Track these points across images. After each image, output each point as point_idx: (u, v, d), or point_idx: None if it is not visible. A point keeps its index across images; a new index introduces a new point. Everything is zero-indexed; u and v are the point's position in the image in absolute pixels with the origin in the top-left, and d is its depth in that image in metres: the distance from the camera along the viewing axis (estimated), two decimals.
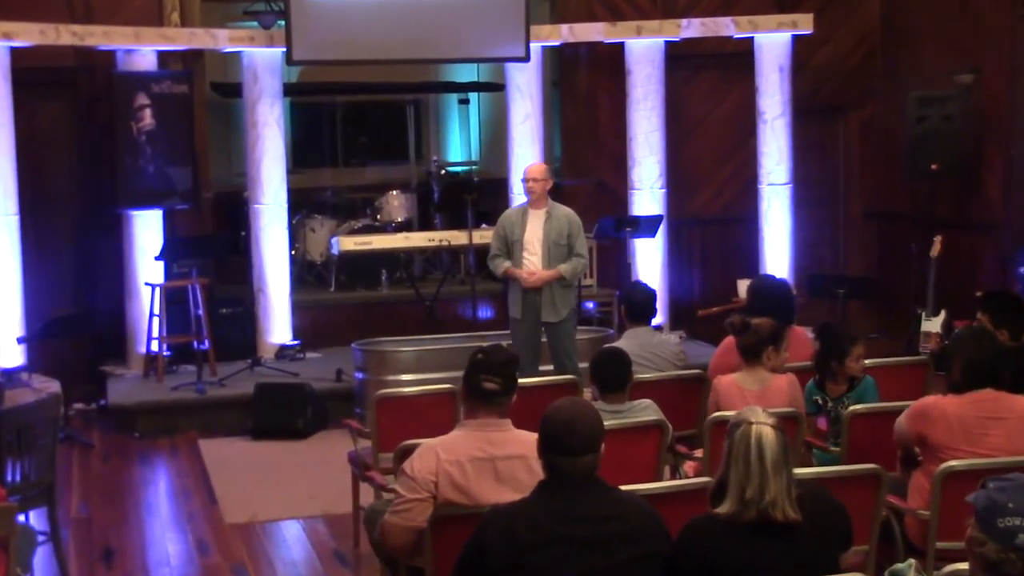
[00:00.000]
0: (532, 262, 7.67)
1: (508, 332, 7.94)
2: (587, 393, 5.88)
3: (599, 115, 11.26)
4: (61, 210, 10.11)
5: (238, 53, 10.03)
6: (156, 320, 9.35)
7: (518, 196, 9.98)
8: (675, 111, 10.92)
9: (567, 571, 3.34)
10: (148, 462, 8.23)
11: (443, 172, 12.33)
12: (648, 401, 5.46)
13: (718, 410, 5.38)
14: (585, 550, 3.36)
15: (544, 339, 7.78)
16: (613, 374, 5.38)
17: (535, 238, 7.67)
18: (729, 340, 5.89)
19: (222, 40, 9.81)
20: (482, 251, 10.57)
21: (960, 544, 2.86)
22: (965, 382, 4.75)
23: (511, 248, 7.69)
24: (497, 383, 4.04)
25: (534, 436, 3.65)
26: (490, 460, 4.02)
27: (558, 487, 3.43)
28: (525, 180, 7.73)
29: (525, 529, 3.37)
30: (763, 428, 3.35)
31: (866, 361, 5.89)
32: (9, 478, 5.51)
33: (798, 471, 4.13)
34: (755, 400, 5.20)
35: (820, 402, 5.80)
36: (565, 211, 7.79)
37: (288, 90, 11.07)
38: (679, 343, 6.90)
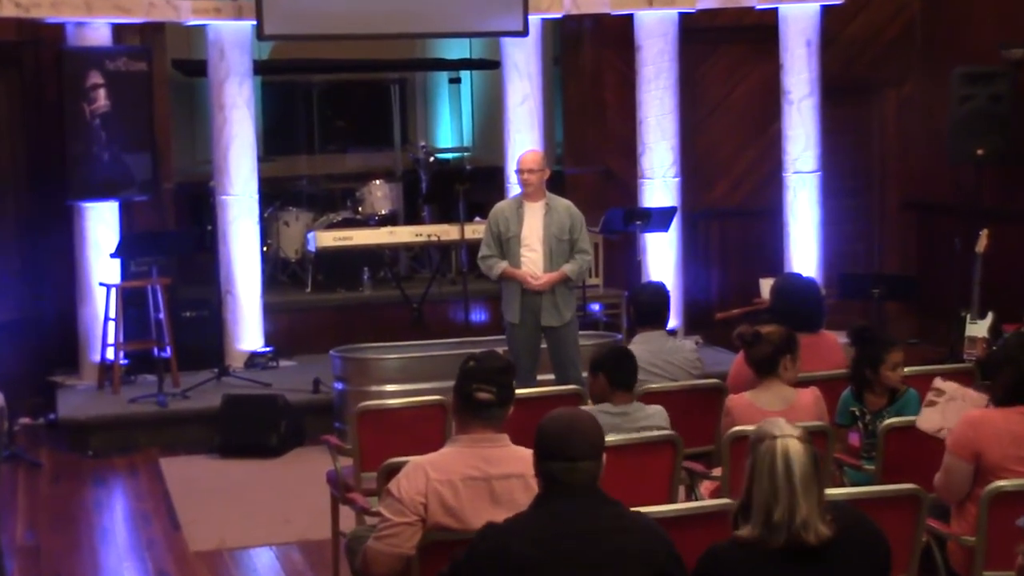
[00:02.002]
0: (532, 260, 7.66)
1: (504, 338, 7.94)
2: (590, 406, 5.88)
3: (605, 96, 11.26)
4: (4, 202, 10.11)
5: (203, 26, 10.02)
6: (112, 325, 9.34)
7: (515, 186, 9.97)
8: (690, 91, 10.92)
9: None
10: (103, 483, 8.22)
11: (432, 159, 12.32)
12: (658, 407, 5.51)
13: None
14: (586, 568, 3.38)
15: (544, 345, 7.77)
16: (623, 369, 5.48)
17: (534, 233, 7.66)
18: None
19: (185, 12, 9.81)
20: (475, 247, 10.54)
21: (1010, 573, 2.86)
22: (1011, 397, 4.73)
23: (506, 245, 7.67)
24: (491, 393, 4.05)
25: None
26: (485, 480, 4.02)
27: (555, 499, 3.47)
28: (520, 171, 7.72)
29: (520, 546, 3.40)
30: (789, 442, 3.34)
31: (905, 369, 5.88)
32: None
33: (829, 491, 4.13)
34: None
35: (857, 413, 5.79)
36: (565, 203, 7.78)
37: (259, 68, 11.06)
38: (695, 349, 6.90)
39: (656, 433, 5.30)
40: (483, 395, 4.05)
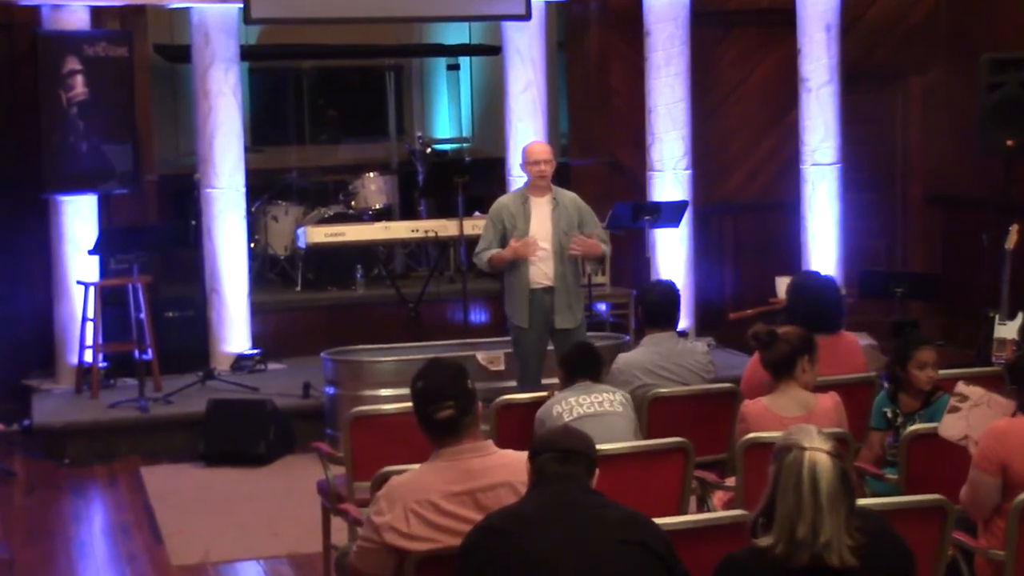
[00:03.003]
0: (540, 258, 7.63)
1: (505, 340, 7.93)
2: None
3: (612, 83, 11.25)
4: None
5: (186, 9, 10.03)
6: (90, 325, 9.34)
7: (517, 179, 9.96)
8: (702, 78, 10.91)
9: (553, 556, 3.51)
10: (80, 494, 8.22)
11: (429, 151, 12.32)
12: (623, 392, 5.81)
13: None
14: (572, 532, 3.54)
15: (551, 347, 7.76)
16: (577, 364, 5.87)
17: (543, 230, 7.62)
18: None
19: None
20: (475, 244, 10.56)
21: None
22: None
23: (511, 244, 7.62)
24: (451, 407, 4.03)
25: (521, 456, 3.82)
26: (469, 494, 4.02)
27: (543, 488, 3.66)
28: (534, 163, 7.62)
29: (508, 521, 3.60)
30: (818, 456, 3.35)
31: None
32: None
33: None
34: None
35: (890, 415, 5.79)
36: (571, 196, 7.78)
37: (246, 53, 11.05)
38: (707, 352, 6.89)
39: (666, 440, 5.31)
40: (444, 414, 4.03)
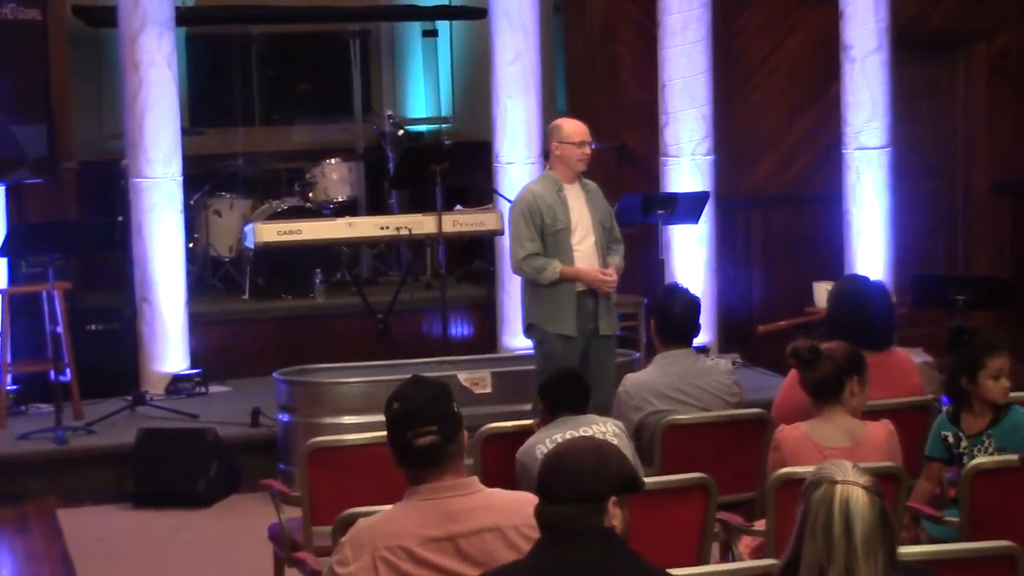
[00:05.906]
0: (584, 255, 7.64)
1: (491, 357, 7.93)
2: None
3: (619, 53, 11.27)
4: None
5: None
6: None
7: (506, 167, 9.98)
8: (726, 47, 10.93)
9: None
10: None
11: (401, 133, 12.33)
12: (614, 422, 5.81)
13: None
14: None
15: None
16: (571, 393, 5.80)
17: (585, 222, 7.67)
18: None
19: None
20: (455, 243, 10.59)
21: None
22: None
23: (552, 240, 7.59)
24: (433, 433, 4.02)
25: (511, 496, 3.85)
26: (450, 539, 4.02)
27: (553, 544, 3.53)
28: (580, 143, 7.68)
29: None
30: (852, 491, 3.35)
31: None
32: None
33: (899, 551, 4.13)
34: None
35: (951, 440, 5.80)
36: (592, 183, 7.85)
37: (183, 17, 11.06)
38: (732, 371, 6.91)
39: (684, 476, 5.31)
40: (424, 440, 4.02)
